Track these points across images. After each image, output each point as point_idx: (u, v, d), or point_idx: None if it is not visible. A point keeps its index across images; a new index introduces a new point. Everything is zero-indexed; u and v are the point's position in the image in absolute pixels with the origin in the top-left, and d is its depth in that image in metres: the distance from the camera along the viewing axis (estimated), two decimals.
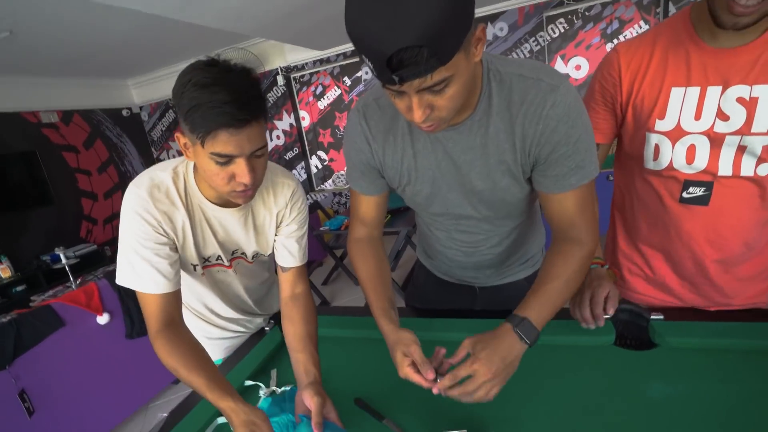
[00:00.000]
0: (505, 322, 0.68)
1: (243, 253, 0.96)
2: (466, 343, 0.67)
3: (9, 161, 3.84)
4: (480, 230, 0.90)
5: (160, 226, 0.79)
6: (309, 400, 0.70)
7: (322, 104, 4.47)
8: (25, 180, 3.97)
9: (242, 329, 1.11)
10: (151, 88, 4.88)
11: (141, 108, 5.14)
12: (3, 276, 3.66)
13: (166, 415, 0.85)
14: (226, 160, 0.68)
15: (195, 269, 0.91)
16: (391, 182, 0.85)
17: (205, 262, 0.92)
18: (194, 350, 0.77)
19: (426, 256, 1.13)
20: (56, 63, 3.67)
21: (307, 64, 4.33)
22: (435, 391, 0.65)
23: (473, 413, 0.72)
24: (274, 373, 0.94)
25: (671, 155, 0.81)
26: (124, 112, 4.97)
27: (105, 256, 4.33)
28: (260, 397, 0.86)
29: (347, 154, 0.86)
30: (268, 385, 0.90)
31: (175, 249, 0.83)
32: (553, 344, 0.84)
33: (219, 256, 0.92)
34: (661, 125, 0.80)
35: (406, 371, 0.66)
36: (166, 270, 0.79)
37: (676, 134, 0.79)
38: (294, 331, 0.86)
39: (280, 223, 0.94)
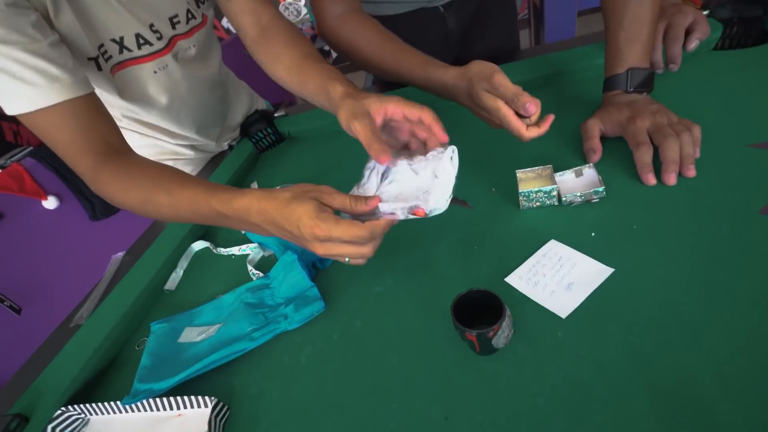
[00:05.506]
0: (608, 91, 0.54)
1: (176, 18, 0.63)
2: (595, 133, 0.52)
3: None
4: None
5: None
6: (352, 125, 0.42)
7: None
8: None
9: (200, 154, 0.83)
10: None
11: None
12: None
13: (122, 253, 0.63)
14: None
15: (100, 68, 0.57)
16: None
17: (122, 49, 0.59)
18: (164, 169, 0.49)
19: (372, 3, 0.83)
20: None
21: None
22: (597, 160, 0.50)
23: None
24: (254, 185, 0.71)
25: None
26: None
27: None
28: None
29: None
30: None
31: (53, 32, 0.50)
32: None
33: (141, 36, 0.59)
34: None
35: (504, 114, 0.44)
36: (57, 60, 0.47)
37: None
38: (286, 61, 0.57)
39: None
